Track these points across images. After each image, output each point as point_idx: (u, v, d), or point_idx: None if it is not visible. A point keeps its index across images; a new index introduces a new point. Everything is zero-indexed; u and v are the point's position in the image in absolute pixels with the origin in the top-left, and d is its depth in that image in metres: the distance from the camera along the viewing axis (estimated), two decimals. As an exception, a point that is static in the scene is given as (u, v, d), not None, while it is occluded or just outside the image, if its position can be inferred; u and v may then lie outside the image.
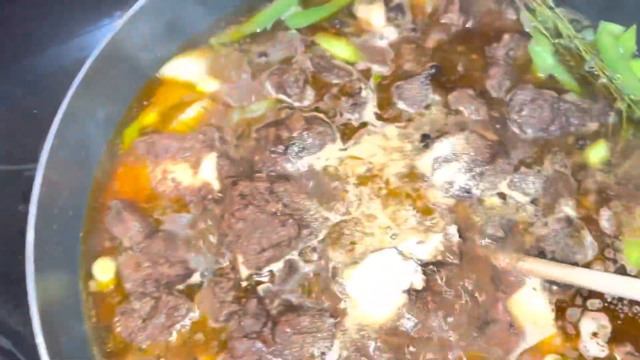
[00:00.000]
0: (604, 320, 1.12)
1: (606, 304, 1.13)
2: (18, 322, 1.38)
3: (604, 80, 1.34)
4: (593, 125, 1.30)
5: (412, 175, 1.26)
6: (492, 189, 1.23)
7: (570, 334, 1.12)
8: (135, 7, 1.28)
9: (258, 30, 1.45)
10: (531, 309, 1.13)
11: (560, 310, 1.13)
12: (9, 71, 1.63)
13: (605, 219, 1.21)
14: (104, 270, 1.20)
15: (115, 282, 1.19)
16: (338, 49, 1.41)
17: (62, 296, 1.16)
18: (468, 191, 1.21)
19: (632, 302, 1.13)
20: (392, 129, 1.31)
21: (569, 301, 1.14)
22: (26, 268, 1.07)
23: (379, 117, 1.33)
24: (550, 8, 1.40)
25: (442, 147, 1.26)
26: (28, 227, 1.09)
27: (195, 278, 1.17)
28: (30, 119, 1.46)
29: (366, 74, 1.38)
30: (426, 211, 1.22)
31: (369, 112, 1.34)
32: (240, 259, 1.16)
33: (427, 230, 1.20)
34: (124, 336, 1.13)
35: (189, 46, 1.43)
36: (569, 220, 1.20)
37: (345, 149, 1.29)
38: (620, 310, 1.13)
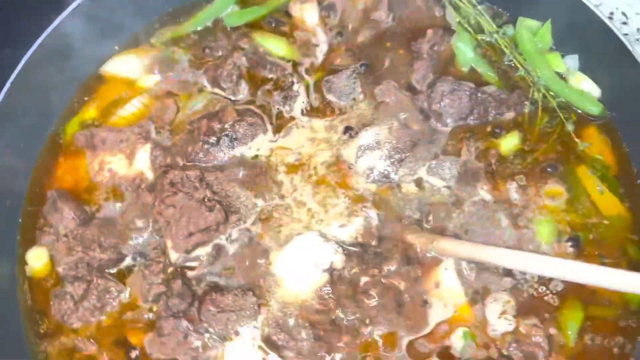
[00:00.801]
0: (506, 295, 1.19)
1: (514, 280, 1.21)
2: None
3: (521, 72, 1.42)
4: (510, 115, 1.38)
5: (338, 163, 1.33)
6: (412, 174, 1.30)
7: (479, 312, 1.19)
8: (73, 5, 1.34)
9: (197, 29, 1.52)
10: (445, 287, 1.20)
11: (471, 288, 1.20)
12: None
13: (513, 190, 1.29)
14: (37, 258, 1.25)
15: (50, 268, 1.24)
16: (273, 45, 1.48)
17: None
18: (387, 176, 1.28)
19: (539, 278, 1.20)
20: (320, 121, 1.38)
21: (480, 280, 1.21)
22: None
23: (309, 109, 1.40)
24: (474, 5, 1.47)
25: (367, 136, 1.33)
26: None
27: (127, 262, 1.23)
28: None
29: (299, 69, 1.45)
30: (349, 196, 1.29)
31: (300, 105, 1.40)
32: (169, 243, 1.22)
33: (350, 214, 1.26)
34: (57, 318, 1.19)
35: (130, 44, 1.49)
36: (484, 203, 1.28)
37: (275, 140, 1.36)
38: (526, 286, 1.20)
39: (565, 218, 1.26)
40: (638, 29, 1.71)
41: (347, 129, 1.36)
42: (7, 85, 1.24)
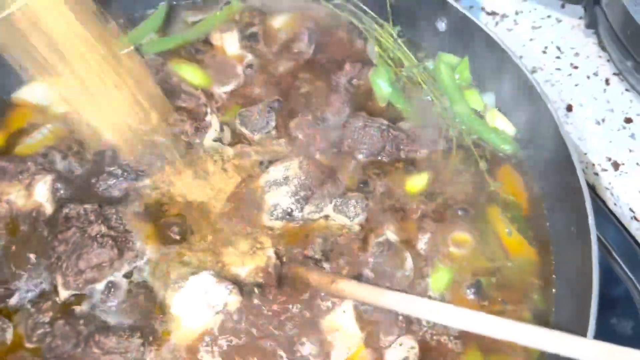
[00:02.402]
0: (412, 341, 1.15)
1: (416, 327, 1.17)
2: None
3: (438, 108, 1.40)
4: (423, 152, 1.36)
5: (243, 198, 1.29)
6: (317, 212, 1.27)
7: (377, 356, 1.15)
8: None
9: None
10: (342, 331, 1.16)
11: (369, 333, 1.17)
12: None
13: (423, 242, 1.26)
14: None
15: None
16: (189, 74, 1.45)
17: None
18: (290, 214, 1.25)
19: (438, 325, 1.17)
20: (231, 154, 1.35)
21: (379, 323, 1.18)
22: None
23: (220, 141, 1.37)
24: (394, 39, 1.46)
25: (276, 171, 1.30)
26: None
27: (15, 299, 1.18)
28: None
29: (213, 99, 1.43)
30: (251, 233, 1.25)
31: (212, 135, 1.38)
32: (59, 280, 1.18)
33: (251, 252, 1.23)
34: (-64, 358, 1.14)
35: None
36: (389, 243, 1.24)
37: (182, 172, 1.32)
38: (426, 330, 1.17)
39: (468, 265, 1.24)
40: (571, 64, 1.70)
41: (260, 164, 1.33)
42: None
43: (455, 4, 1.38)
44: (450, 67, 1.42)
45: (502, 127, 1.37)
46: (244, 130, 1.38)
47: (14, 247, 1.23)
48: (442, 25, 1.43)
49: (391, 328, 1.16)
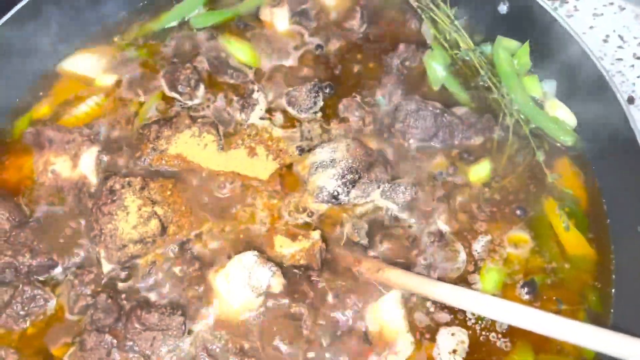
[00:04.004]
0: (464, 335, 1.11)
1: (466, 320, 1.12)
2: None
3: (495, 95, 1.33)
4: (478, 140, 1.29)
5: (289, 179, 1.26)
6: (364, 196, 1.22)
7: (426, 347, 1.11)
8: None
9: (162, 29, 1.46)
10: (388, 321, 1.12)
11: (417, 322, 1.12)
12: None
13: (477, 236, 1.20)
14: None
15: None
16: (237, 50, 1.41)
17: None
18: (336, 197, 1.21)
19: (489, 320, 1.12)
20: (278, 132, 1.31)
21: (427, 314, 1.13)
22: None
23: (266, 119, 1.33)
24: (451, 20, 1.39)
25: (322, 153, 1.26)
26: None
27: (58, 270, 1.18)
28: None
29: (261, 76, 1.39)
30: (296, 215, 1.22)
31: (258, 114, 1.34)
32: (102, 253, 1.16)
33: (294, 234, 1.20)
34: (-22, 323, 1.14)
35: (91, 42, 1.44)
36: (440, 234, 1.20)
37: (228, 149, 1.29)
38: (477, 327, 1.12)
39: (522, 263, 1.18)
40: (634, 54, 1.61)
41: (301, 148, 1.29)
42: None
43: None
44: (509, 52, 1.35)
45: (562, 117, 1.30)
46: (290, 109, 1.34)
47: (58, 218, 1.22)
48: (503, 8, 1.36)
49: (444, 320, 1.12)
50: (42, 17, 1.34)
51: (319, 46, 1.43)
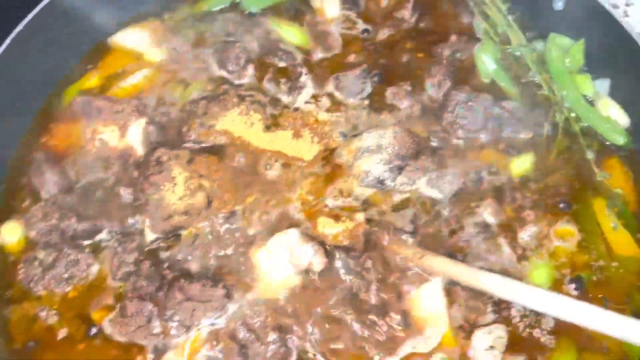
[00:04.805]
0: (501, 331, 1.09)
1: (510, 317, 1.11)
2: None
3: (545, 91, 1.32)
4: (526, 135, 1.28)
5: (335, 161, 1.26)
6: (410, 184, 1.21)
7: (462, 340, 1.09)
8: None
9: (213, 9, 1.47)
10: (428, 308, 1.11)
11: (456, 314, 1.11)
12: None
13: (523, 229, 1.19)
14: (11, 232, 1.20)
15: (23, 243, 1.20)
16: (288, 33, 1.42)
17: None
18: (382, 182, 1.20)
19: (536, 314, 1.10)
20: (324, 116, 1.31)
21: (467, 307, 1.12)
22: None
23: (312, 103, 1.33)
24: (504, 15, 1.38)
25: (369, 138, 1.26)
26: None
27: (102, 236, 1.19)
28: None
29: (310, 60, 1.39)
30: (340, 196, 1.21)
31: (305, 97, 1.34)
32: (147, 222, 1.17)
33: (338, 215, 1.19)
34: (24, 284, 1.15)
35: (142, 17, 1.45)
36: (485, 225, 1.18)
37: (274, 129, 1.30)
38: (518, 321, 1.10)
39: (569, 259, 1.16)
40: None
41: (345, 133, 1.29)
42: (7, 41, 1.22)
43: (575, -19, 1.30)
44: (562, 49, 1.34)
45: (614, 116, 1.28)
46: (338, 94, 1.34)
47: (104, 186, 1.23)
48: (558, 4, 1.34)
49: (480, 312, 1.11)
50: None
51: (367, 33, 1.43)
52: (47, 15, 1.28)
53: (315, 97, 1.34)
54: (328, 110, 1.33)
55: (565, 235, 1.17)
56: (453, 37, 1.37)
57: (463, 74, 1.36)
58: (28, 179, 1.25)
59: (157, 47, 1.41)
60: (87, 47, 1.41)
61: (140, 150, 1.26)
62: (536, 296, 1.01)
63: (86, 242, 1.18)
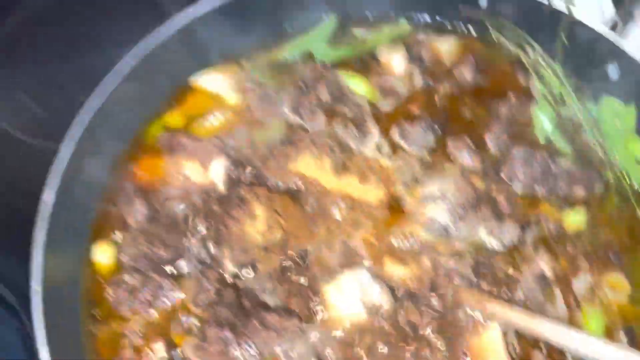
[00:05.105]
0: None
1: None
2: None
3: (598, 152, 1.41)
4: (580, 192, 1.37)
5: (399, 206, 1.35)
6: (471, 232, 1.30)
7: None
8: (176, 19, 1.45)
9: (288, 58, 1.60)
10: (489, 352, 1.18)
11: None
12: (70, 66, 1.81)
13: (577, 280, 1.26)
14: (103, 252, 1.31)
15: (113, 263, 1.30)
16: (356, 84, 1.53)
17: (64, 266, 1.28)
18: (446, 230, 1.29)
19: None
20: (388, 163, 1.42)
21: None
22: (36, 236, 1.20)
23: (378, 150, 1.44)
24: (558, 77, 1.49)
25: (433, 186, 1.35)
26: (44, 197, 1.23)
27: (185, 264, 1.28)
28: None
29: (376, 110, 1.50)
30: (404, 239, 1.30)
31: (371, 144, 1.45)
32: (227, 254, 1.27)
33: (403, 258, 1.28)
34: (111, 304, 1.25)
35: (222, 62, 1.58)
36: (541, 274, 1.26)
37: (343, 173, 1.40)
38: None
39: (620, 310, 1.23)
40: None
41: (410, 179, 1.39)
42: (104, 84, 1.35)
43: (629, 52, 1.40)
44: (615, 113, 1.44)
45: (665, 180, 1.37)
46: (402, 143, 1.44)
47: (187, 217, 1.34)
48: (613, 72, 1.45)
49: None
50: (186, 38, 1.49)
51: (430, 87, 1.54)
52: (135, 60, 1.41)
53: (380, 145, 1.45)
54: (392, 158, 1.43)
55: (616, 286, 1.25)
56: (511, 96, 1.47)
57: (520, 131, 1.46)
58: (117, 207, 1.36)
59: (236, 91, 1.53)
60: (173, 87, 1.53)
61: (221, 186, 1.37)
62: (597, 347, 1.08)
63: (170, 269, 1.28)
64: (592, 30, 1.45)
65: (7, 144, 1.68)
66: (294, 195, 1.36)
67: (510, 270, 1.26)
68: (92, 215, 1.36)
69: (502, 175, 1.38)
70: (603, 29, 1.44)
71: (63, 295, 1.23)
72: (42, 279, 1.15)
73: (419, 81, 1.55)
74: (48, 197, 1.22)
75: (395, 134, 1.45)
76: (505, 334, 1.20)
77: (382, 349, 1.19)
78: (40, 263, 1.17)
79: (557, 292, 1.24)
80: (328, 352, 1.18)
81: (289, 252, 1.28)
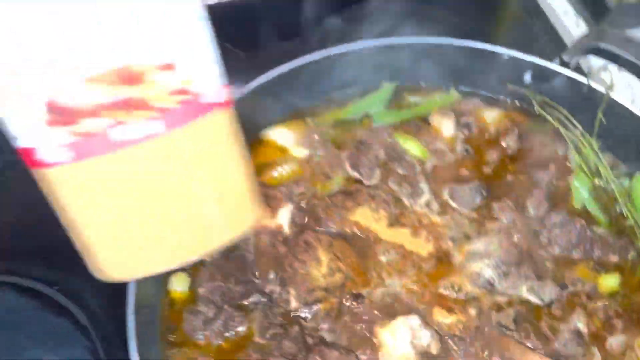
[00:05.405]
0: None
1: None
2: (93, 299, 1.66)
3: (631, 222, 1.54)
4: (613, 258, 1.50)
5: (448, 260, 1.49)
6: (513, 288, 1.43)
7: None
8: (255, 83, 1.64)
9: (349, 118, 1.78)
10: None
11: (552, 406, 1.29)
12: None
13: (611, 340, 1.38)
14: (179, 282, 1.47)
15: (188, 293, 1.45)
16: (409, 145, 1.70)
17: (148, 295, 1.43)
18: (491, 284, 1.43)
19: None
20: (438, 220, 1.57)
21: (561, 400, 1.30)
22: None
23: (429, 207, 1.59)
24: (595, 152, 1.64)
25: (479, 244, 1.50)
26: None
27: (254, 299, 1.43)
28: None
29: (427, 170, 1.66)
30: (452, 291, 1.44)
31: (423, 201, 1.60)
32: (292, 292, 1.41)
33: (451, 307, 1.41)
34: (186, 331, 1.39)
35: (290, 118, 1.77)
36: (578, 332, 1.38)
37: (396, 225, 1.55)
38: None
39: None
40: None
41: (454, 238, 1.54)
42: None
43: (663, 135, 1.56)
44: (646, 187, 1.58)
45: (693, 251, 1.49)
46: (451, 202, 1.59)
47: (257, 256, 1.49)
48: (647, 157, 1.60)
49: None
50: (260, 96, 1.68)
51: (477, 152, 1.70)
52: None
53: (430, 202, 1.60)
54: (441, 215, 1.58)
55: (648, 349, 1.36)
56: (552, 166, 1.63)
57: (559, 198, 1.60)
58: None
59: (301, 146, 1.71)
60: (247, 139, 1.70)
61: (287, 230, 1.53)
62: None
63: (240, 303, 1.43)
64: (627, 110, 1.62)
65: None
66: (351, 243, 1.51)
67: (549, 325, 1.38)
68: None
69: (542, 238, 1.51)
70: (638, 111, 1.60)
71: (147, 321, 1.37)
72: (134, 306, 1.30)
73: (466, 146, 1.71)
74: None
75: (445, 193, 1.61)
76: (542, 385, 1.32)
77: (430, 390, 1.31)
78: (133, 291, 1.32)
79: (595, 349, 1.36)
80: (382, 390, 1.30)
81: (347, 295, 1.42)
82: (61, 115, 0.88)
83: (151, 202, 1.05)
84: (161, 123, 0.94)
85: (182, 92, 0.95)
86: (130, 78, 0.88)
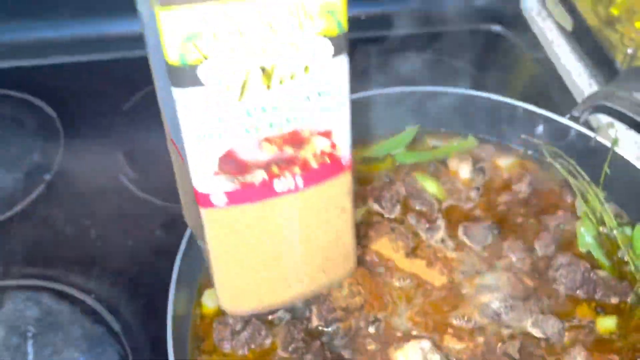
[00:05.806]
0: None
1: None
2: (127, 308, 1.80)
3: (632, 267, 1.66)
4: (614, 300, 1.60)
5: (459, 291, 1.61)
6: (519, 321, 1.54)
7: None
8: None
9: (372, 157, 1.93)
10: None
11: None
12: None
13: (608, 373, 1.48)
14: (210, 297, 1.60)
15: (217, 308, 1.58)
16: (428, 184, 1.85)
17: (182, 307, 1.55)
18: (498, 315, 1.54)
19: None
20: (452, 254, 1.69)
21: None
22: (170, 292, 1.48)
23: (444, 243, 1.72)
24: (600, 202, 1.77)
25: (489, 278, 1.62)
26: (176, 262, 1.52)
27: (279, 314, 1.55)
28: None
29: (444, 208, 1.80)
30: (462, 320, 1.55)
31: (439, 236, 1.73)
32: (314, 311, 1.53)
33: (460, 335, 1.52)
34: (215, 340, 1.51)
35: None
36: (578, 367, 1.48)
37: (413, 257, 1.68)
38: None
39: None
40: None
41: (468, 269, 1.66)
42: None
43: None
44: (647, 237, 1.70)
45: (689, 298, 1.60)
46: (465, 239, 1.72)
47: (283, 276, 1.62)
48: (650, 210, 1.73)
49: None
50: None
51: (491, 195, 1.84)
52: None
53: (446, 238, 1.73)
54: (455, 251, 1.71)
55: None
56: (560, 212, 1.76)
57: (565, 242, 1.72)
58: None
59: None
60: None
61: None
62: None
63: (266, 318, 1.55)
64: (631, 165, 1.75)
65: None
66: (371, 269, 1.64)
67: (552, 358, 1.49)
68: (205, 265, 1.65)
69: (548, 277, 1.63)
70: (641, 165, 1.74)
71: (179, 329, 1.50)
72: (172, 316, 1.43)
73: (480, 188, 1.85)
74: (182, 246, 1.53)
75: (459, 231, 1.74)
76: (543, 413, 1.41)
77: (437, 410, 1.41)
78: (171, 302, 1.45)
79: (594, 385, 1.46)
80: (394, 408, 1.40)
81: (365, 317, 1.54)
82: (234, 166, 1.05)
83: (278, 247, 1.24)
84: (301, 180, 1.12)
85: (329, 155, 1.14)
86: (299, 141, 1.07)
